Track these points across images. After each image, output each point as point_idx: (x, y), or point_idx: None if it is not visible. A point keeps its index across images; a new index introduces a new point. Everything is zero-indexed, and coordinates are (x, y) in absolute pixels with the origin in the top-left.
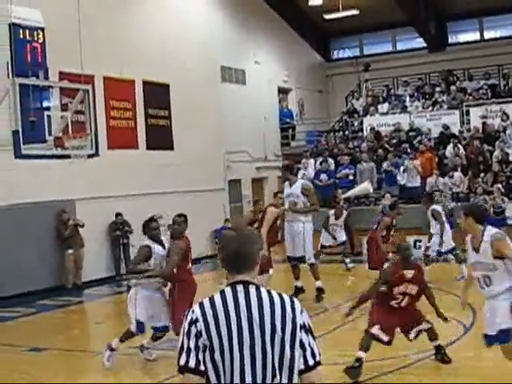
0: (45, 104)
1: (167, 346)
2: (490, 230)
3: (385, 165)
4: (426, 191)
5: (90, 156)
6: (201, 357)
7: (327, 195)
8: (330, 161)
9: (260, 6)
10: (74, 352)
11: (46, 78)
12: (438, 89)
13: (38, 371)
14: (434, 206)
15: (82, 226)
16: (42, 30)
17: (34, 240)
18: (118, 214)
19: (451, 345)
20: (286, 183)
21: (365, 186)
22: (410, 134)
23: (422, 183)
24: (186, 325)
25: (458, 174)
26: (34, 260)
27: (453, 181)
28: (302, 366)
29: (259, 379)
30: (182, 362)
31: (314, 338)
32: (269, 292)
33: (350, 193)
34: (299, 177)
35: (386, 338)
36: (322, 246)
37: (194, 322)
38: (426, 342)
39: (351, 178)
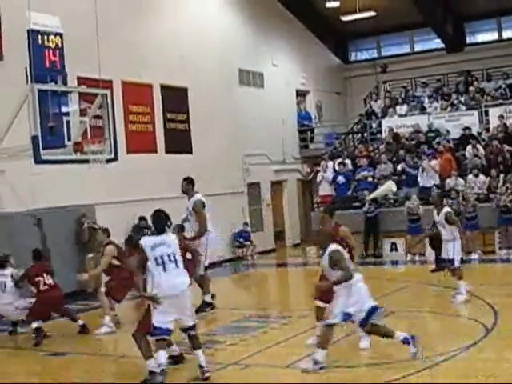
0: (63, 109)
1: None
2: None
3: (400, 166)
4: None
5: (109, 161)
6: None
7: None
8: (347, 162)
9: (277, 8)
10: (95, 356)
11: (65, 83)
12: (456, 89)
13: (60, 376)
14: (447, 209)
15: (98, 229)
16: (60, 35)
17: (55, 245)
18: (141, 218)
19: (472, 346)
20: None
21: (389, 186)
22: (429, 135)
23: (441, 183)
24: None
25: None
26: (54, 265)
27: (477, 180)
28: None
29: None
30: None
31: None
32: None
33: (375, 193)
34: (317, 179)
35: None
36: None
37: None
38: (448, 344)
39: (370, 179)
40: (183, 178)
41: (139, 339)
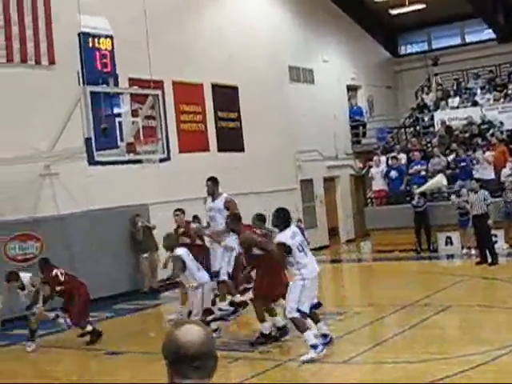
0: (116, 110)
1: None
2: None
3: (450, 158)
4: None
5: (161, 160)
6: None
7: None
8: (401, 156)
9: (325, 3)
10: (151, 355)
11: (116, 84)
12: (509, 80)
13: (116, 374)
14: None
15: (153, 228)
16: (111, 37)
17: (110, 245)
18: (195, 217)
19: None
20: (209, 197)
21: (439, 180)
22: (482, 127)
23: (497, 175)
24: None
25: None
26: (110, 265)
27: None
28: None
29: None
30: None
31: None
32: None
33: (425, 187)
34: (370, 174)
35: None
36: None
37: None
38: (506, 338)
39: (423, 173)
40: (208, 178)
41: (257, 304)
